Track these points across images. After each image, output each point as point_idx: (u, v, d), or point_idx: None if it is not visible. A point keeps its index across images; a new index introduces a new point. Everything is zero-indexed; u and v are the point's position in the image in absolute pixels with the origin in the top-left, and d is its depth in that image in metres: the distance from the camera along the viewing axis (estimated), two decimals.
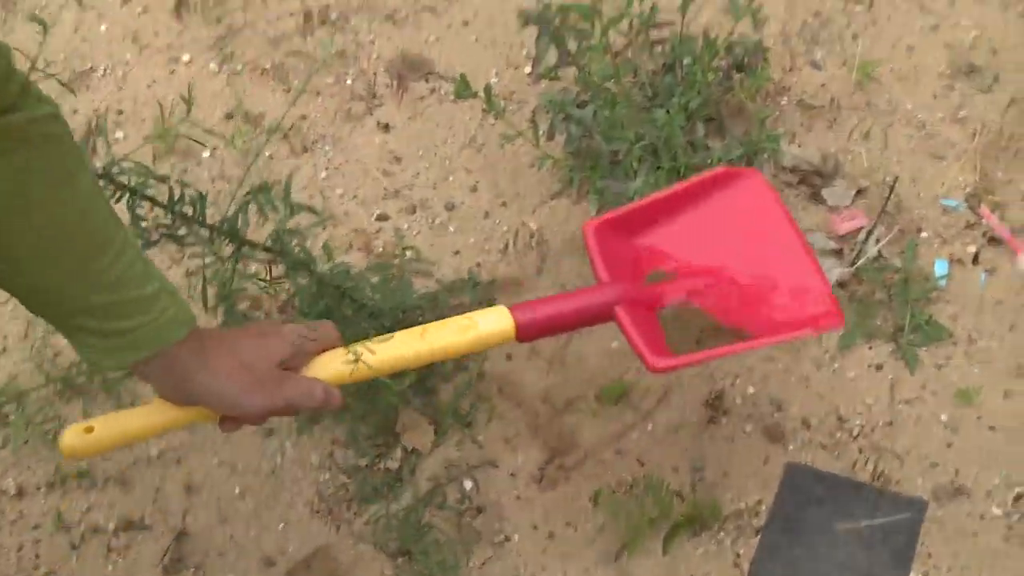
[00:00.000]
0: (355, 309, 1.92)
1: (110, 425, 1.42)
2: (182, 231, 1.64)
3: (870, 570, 1.91)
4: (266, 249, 1.76)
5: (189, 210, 1.61)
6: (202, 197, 1.63)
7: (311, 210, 1.80)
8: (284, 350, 1.31)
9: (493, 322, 1.53)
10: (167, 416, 1.38)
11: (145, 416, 1.36)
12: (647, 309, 1.66)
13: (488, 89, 2.09)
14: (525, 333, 1.55)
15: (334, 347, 1.42)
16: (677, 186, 1.79)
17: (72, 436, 1.38)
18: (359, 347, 1.45)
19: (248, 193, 1.67)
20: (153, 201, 1.56)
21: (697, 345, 1.68)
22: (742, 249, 1.80)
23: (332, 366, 1.45)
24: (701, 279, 1.72)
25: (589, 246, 1.64)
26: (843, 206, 2.32)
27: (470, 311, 1.62)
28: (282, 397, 1.29)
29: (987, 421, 2.06)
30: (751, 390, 2.11)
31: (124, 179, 1.51)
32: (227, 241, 1.69)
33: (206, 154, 2.37)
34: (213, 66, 2.51)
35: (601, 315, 1.60)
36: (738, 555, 1.94)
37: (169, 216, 1.61)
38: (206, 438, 2.02)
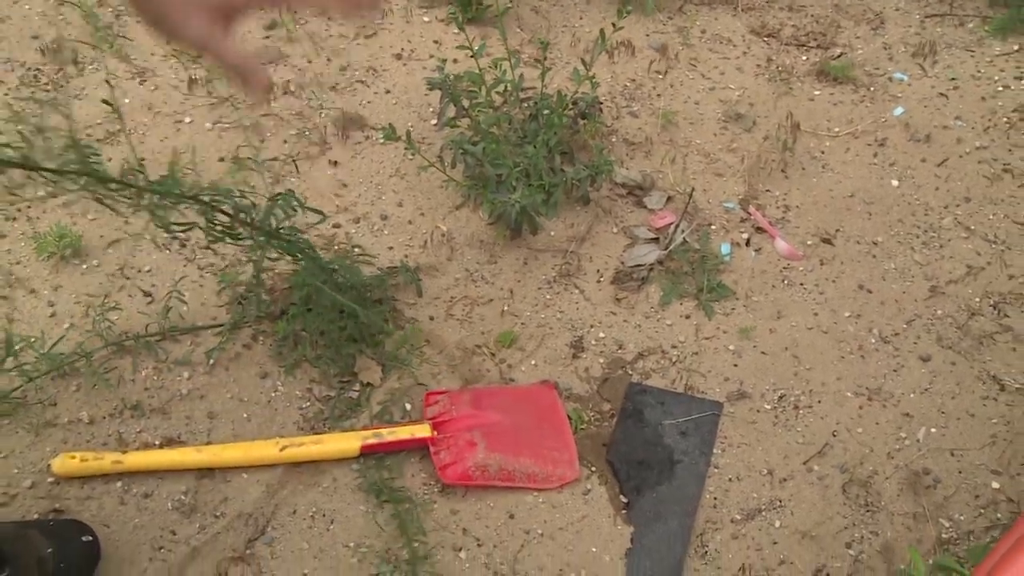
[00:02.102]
0: (332, 283, 2.01)
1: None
2: (238, 229, 1.72)
3: (687, 450, 1.99)
4: (286, 240, 1.84)
5: (244, 216, 1.70)
6: (254, 205, 1.71)
7: (317, 211, 1.91)
8: None
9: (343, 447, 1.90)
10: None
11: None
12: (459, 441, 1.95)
13: (408, 133, 2.17)
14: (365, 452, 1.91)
15: None
16: (511, 387, 2.07)
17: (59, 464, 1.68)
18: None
19: (274, 197, 1.77)
20: (224, 212, 1.63)
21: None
22: (527, 417, 2.02)
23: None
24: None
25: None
26: (658, 209, 2.40)
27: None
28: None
29: (759, 348, 2.15)
30: (601, 335, 2.18)
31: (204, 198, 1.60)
32: (260, 235, 1.77)
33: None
34: (208, 125, 2.57)
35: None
36: (602, 444, 2.01)
37: (230, 220, 1.69)
38: (222, 381, 2.06)
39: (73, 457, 1.89)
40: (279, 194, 1.73)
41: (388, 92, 2.64)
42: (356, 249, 2.21)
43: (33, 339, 2.00)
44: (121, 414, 2.00)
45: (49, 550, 1.68)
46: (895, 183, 2.52)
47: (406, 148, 2.14)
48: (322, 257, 1.96)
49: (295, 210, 1.74)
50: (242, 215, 1.66)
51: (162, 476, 1.91)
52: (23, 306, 2.12)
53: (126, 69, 2.66)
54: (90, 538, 1.76)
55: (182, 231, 1.55)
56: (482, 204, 2.35)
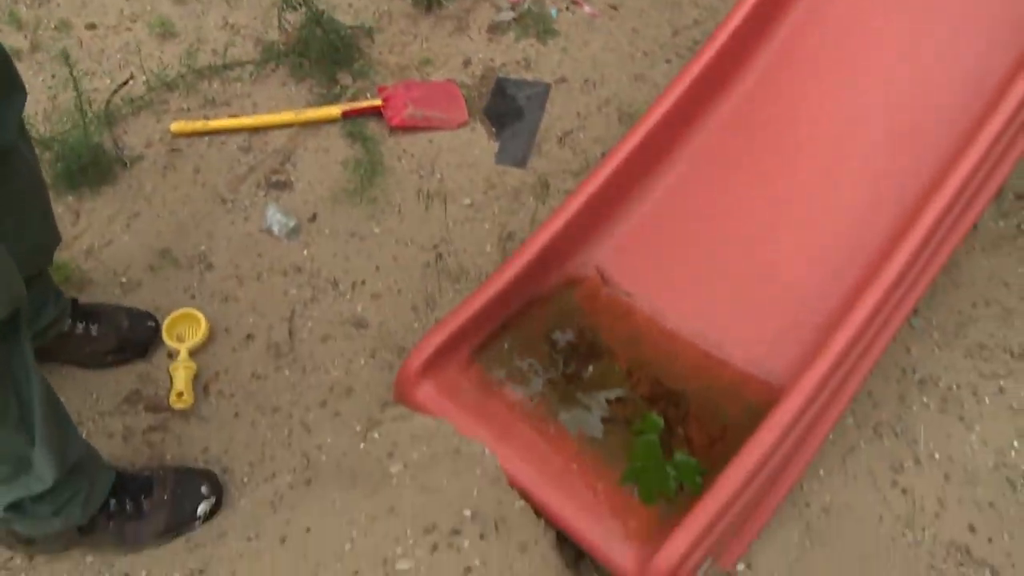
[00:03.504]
0: (323, 30, 2.50)
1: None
2: None
3: (530, 107, 2.45)
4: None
5: None
6: None
7: None
8: None
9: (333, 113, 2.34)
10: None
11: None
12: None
13: None
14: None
15: None
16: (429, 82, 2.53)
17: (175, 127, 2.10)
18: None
19: None
20: None
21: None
22: (438, 94, 2.46)
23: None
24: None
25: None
26: None
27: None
28: None
29: (573, 58, 2.59)
30: (481, 56, 2.62)
31: None
32: None
33: None
34: None
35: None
36: (482, 107, 2.51)
37: None
38: (259, 88, 2.50)
39: (181, 123, 2.41)
40: None
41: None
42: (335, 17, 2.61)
43: (154, 71, 2.50)
44: (205, 106, 2.45)
45: (126, 324, 1.90)
46: None
47: None
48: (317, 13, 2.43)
49: None
50: None
51: (231, 133, 2.41)
52: (147, 60, 2.57)
53: None
54: (153, 325, 1.96)
55: None
56: None
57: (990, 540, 1.75)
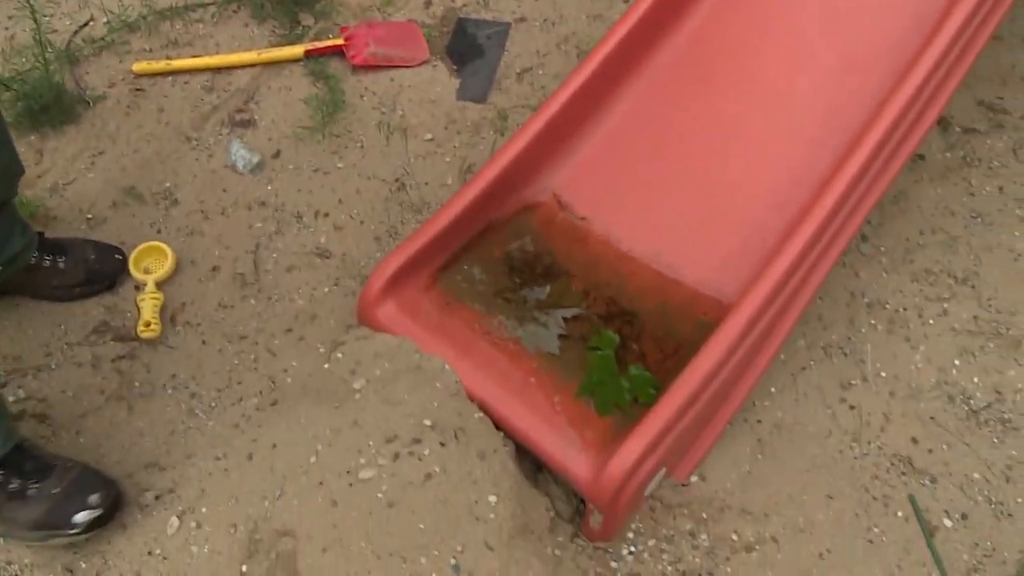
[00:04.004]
0: None
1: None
2: None
3: (491, 45, 2.46)
4: None
5: None
6: None
7: None
8: None
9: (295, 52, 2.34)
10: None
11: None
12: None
13: None
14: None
15: None
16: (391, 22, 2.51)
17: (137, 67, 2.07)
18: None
19: None
20: None
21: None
22: (399, 34, 2.45)
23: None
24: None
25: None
26: None
27: None
28: None
29: (528, 4, 2.71)
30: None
31: None
32: None
33: None
34: None
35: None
36: (444, 46, 2.52)
37: None
38: (221, 28, 2.48)
39: (144, 63, 2.40)
40: None
41: None
42: None
43: (115, 12, 2.47)
44: (167, 47, 2.44)
45: (93, 256, 1.91)
46: None
47: None
48: None
49: None
50: None
51: (194, 73, 2.41)
52: (106, 1, 2.52)
53: None
54: (120, 258, 1.95)
55: None
56: None
57: (930, 451, 1.81)
